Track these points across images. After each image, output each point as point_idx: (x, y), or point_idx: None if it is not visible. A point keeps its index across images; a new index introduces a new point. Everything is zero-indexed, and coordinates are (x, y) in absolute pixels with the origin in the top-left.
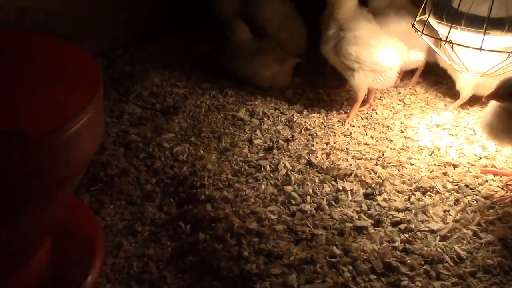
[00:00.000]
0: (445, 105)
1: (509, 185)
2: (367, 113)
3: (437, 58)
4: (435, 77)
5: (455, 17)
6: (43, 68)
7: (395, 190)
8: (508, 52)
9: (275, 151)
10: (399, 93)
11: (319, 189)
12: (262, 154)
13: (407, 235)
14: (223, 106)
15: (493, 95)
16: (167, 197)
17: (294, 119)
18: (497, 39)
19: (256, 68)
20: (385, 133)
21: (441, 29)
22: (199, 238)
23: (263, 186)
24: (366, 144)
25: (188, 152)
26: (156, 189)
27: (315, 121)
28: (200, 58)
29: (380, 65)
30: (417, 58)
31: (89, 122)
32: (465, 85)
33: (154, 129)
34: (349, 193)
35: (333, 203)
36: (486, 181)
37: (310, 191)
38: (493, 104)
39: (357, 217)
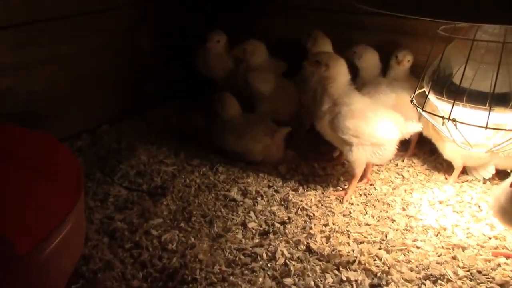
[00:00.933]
0: (445, 178)
1: None
2: (365, 188)
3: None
4: (430, 146)
5: (456, 94)
6: (23, 162)
7: (403, 279)
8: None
9: (271, 236)
10: (397, 165)
11: (321, 280)
12: (257, 240)
13: None
14: (214, 185)
15: None
16: None
17: (290, 198)
18: (501, 116)
19: (246, 143)
20: (386, 212)
21: (441, 105)
22: None
23: (260, 279)
24: (367, 224)
25: (178, 240)
26: (143, 284)
27: (311, 200)
28: (189, 132)
29: (379, 138)
30: (414, 129)
31: (68, 235)
32: (453, 155)
33: (141, 214)
34: (354, 284)
35: None
36: (499, 265)
37: (312, 283)
38: (504, 187)
39: None
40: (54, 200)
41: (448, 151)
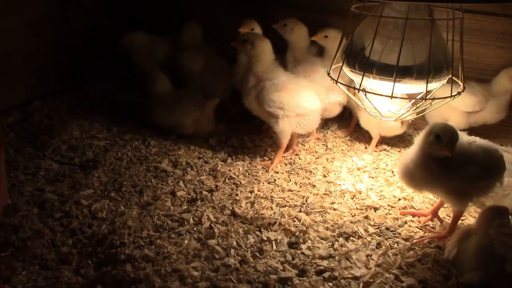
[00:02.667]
0: (365, 147)
1: (427, 225)
2: (291, 158)
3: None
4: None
5: (367, 66)
6: None
7: (319, 237)
8: (416, 98)
9: (199, 202)
10: (323, 135)
11: (244, 241)
12: (185, 207)
13: (331, 284)
14: (146, 157)
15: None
16: (85, 258)
17: (218, 168)
18: (407, 86)
19: (177, 117)
20: (309, 179)
21: (355, 77)
22: None
23: (186, 241)
24: (290, 190)
25: (108, 209)
26: (72, 250)
27: (239, 169)
28: (122, 108)
29: (303, 108)
30: (335, 99)
31: None
32: (367, 124)
33: (71, 186)
34: (274, 243)
35: (258, 254)
36: (406, 222)
37: (234, 243)
38: (410, 153)
39: (281, 268)
40: None
41: (363, 120)
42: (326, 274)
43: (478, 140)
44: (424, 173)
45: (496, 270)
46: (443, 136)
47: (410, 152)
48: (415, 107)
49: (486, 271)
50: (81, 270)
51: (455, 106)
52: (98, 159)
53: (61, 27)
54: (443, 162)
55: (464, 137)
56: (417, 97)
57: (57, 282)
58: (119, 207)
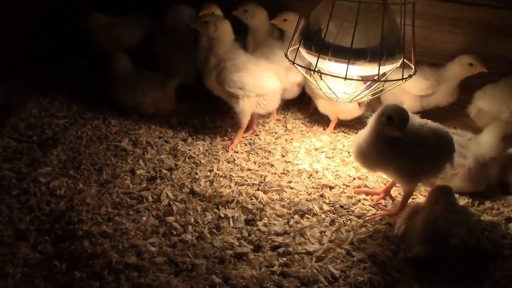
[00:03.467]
0: (324, 129)
1: (380, 203)
2: (251, 138)
3: (305, 85)
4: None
5: (322, 48)
6: None
7: (275, 214)
8: (371, 80)
9: (158, 181)
10: (284, 117)
11: (201, 218)
12: (144, 185)
13: (285, 259)
14: (106, 136)
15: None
16: (42, 235)
17: (179, 147)
18: (361, 69)
19: (138, 97)
20: (267, 158)
21: (311, 59)
22: (75, 277)
23: (144, 218)
24: (249, 169)
25: (66, 186)
26: (30, 227)
27: (199, 149)
28: (82, 88)
29: (263, 88)
30: (294, 80)
31: None
32: (325, 110)
33: (29, 163)
34: (231, 220)
35: (215, 231)
36: (359, 200)
37: (192, 220)
38: (364, 133)
39: (237, 244)
40: None
41: (321, 106)
42: (281, 250)
43: (429, 123)
44: (376, 153)
45: (441, 244)
46: (394, 117)
47: (364, 133)
48: (369, 89)
49: (431, 245)
50: (39, 246)
51: (408, 89)
52: (57, 137)
53: (21, 6)
54: (395, 143)
55: (416, 120)
56: (371, 80)
57: (14, 257)
58: (77, 185)
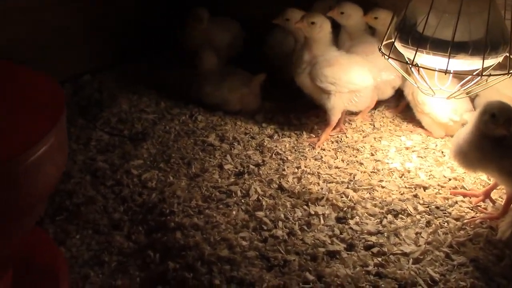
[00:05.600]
0: (413, 126)
1: (479, 206)
2: (338, 136)
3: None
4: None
5: (420, 42)
6: (6, 95)
7: (367, 213)
8: (472, 74)
9: (246, 176)
10: (371, 115)
11: (291, 214)
12: (232, 180)
13: (380, 259)
14: (193, 131)
15: None
16: (136, 225)
17: (265, 144)
18: (462, 63)
19: (224, 94)
20: (356, 156)
21: (407, 53)
22: (168, 267)
23: (234, 212)
24: (337, 167)
25: (157, 179)
26: (124, 217)
27: (285, 146)
28: (169, 85)
29: (355, 84)
30: (388, 77)
31: (51, 149)
32: (431, 126)
33: (121, 156)
34: (321, 217)
35: (305, 228)
36: (456, 202)
37: (282, 216)
38: (464, 132)
39: (329, 242)
40: (36, 125)
41: (425, 122)
42: (375, 249)
43: None
44: (478, 152)
45: None
46: (498, 115)
47: (464, 131)
48: (468, 86)
49: None
50: (132, 236)
51: (505, 91)
52: (147, 131)
53: (114, 1)
54: (498, 142)
55: None
56: (472, 74)
57: (110, 246)
58: (168, 178)
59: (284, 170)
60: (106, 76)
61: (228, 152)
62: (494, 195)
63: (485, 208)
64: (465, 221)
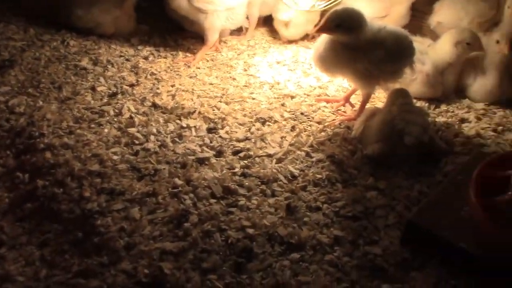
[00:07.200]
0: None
1: (339, 110)
2: (213, 55)
3: None
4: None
5: None
6: None
7: (237, 123)
8: None
9: (119, 96)
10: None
11: (163, 128)
12: (105, 100)
13: (246, 161)
14: (65, 56)
15: (321, 28)
16: (3, 150)
17: (140, 65)
18: None
19: (96, 17)
20: (229, 73)
21: None
22: (37, 185)
23: (106, 130)
24: (211, 84)
25: (26, 104)
26: None
27: (161, 66)
28: (39, 11)
29: (230, 1)
30: None
31: None
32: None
33: None
34: (193, 129)
35: (177, 139)
36: (319, 108)
37: (154, 130)
38: (323, 38)
39: (199, 150)
40: None
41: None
42: (242, 154)
43: (388, 26)
44: (333, 56)
45: (396, 142)
46: (342, 24)
47: (323, 39)
48: None
49: (386, 143)
50: (0, 161)
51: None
52: (15, 58)
53: None
54: (352, 46)
55: (375, 24)
56: None
57: None
58: (37, 102)
59: (158, 89)
60: None
61: (101, 75)
62: (353, 100)
63: (345, 112)
64: (326, 123)
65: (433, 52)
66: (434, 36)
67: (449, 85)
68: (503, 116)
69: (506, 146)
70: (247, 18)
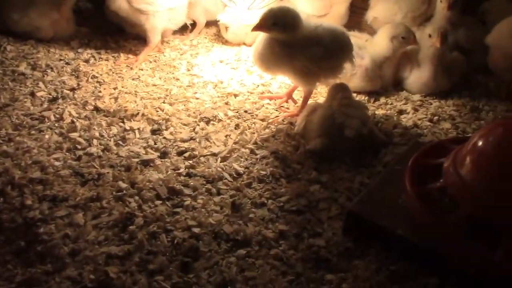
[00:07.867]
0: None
1: (282, 106)
2: (155, 56)
3: None
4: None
5: None
6: None
7: (181, 123)
8: None
9: (60, 101)
10: (187, 33)
11: (106, 132)
12: (46, 106)
13: (191, 161)
14: (2, 62)
15: (258, 27)
16: None
17: (81, 68)
18: None
19: (33, 20)
20: (173, 73)
21: None
22: None
23: (47, 136)
24: (154, 85)
25: None
26: None
27: (102, 69)
28: None
29: (170, 2)
30: None
31: None
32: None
33: None
34: (137, 132)
35: (121, 142)
36: (263, 105)
37: (97, 134)
38: (262, 37)
39: (144, 152)
40: None
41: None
42: (187, 154)
43: (325, 24)
44: (272, 54)
45: (337, 136)
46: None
47: (261, 38)
48: None
49: (328, 137)
50: None
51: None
52: None
53: None
54: (289, 44)
55: (311, 21)
56: None
57: None
58: None
59: (100, 92)
60: None
61: (40, 80)
62: (296, 96)
63: (288, 108)
64: (270, 120)
65: (371, 46)
66: (372, 31)
67: (387, 78)
68: (438, 107)
69: (441, 135)
70: (193, 21)
